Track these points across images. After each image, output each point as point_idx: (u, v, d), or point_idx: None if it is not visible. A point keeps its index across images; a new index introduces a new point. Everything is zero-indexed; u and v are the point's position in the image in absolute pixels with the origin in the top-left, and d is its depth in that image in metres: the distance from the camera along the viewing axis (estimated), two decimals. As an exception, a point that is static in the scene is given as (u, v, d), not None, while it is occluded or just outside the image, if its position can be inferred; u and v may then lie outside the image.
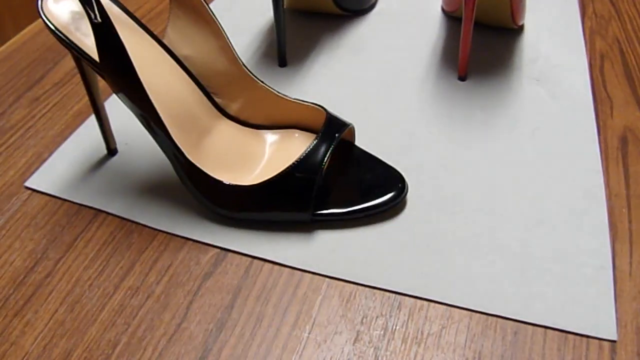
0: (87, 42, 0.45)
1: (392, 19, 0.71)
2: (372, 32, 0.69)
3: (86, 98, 0.62)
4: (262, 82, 0.48)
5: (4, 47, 0.73)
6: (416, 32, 0.69)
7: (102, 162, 0.53)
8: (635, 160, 0.53)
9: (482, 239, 0.44)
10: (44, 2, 0.46)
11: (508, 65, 0.64)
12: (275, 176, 0.43)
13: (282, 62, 0.62)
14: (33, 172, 0.53)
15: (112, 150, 0.53)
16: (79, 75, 0.66)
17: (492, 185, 0.49)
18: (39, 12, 0.45)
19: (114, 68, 0.42)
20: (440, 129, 0.55)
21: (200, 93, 0.48)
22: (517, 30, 0.69)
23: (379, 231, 0.45)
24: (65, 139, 0.56)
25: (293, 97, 0.53)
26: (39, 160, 0.54)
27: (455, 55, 0.65)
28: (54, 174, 0.52)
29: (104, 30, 0.40)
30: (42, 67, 0.68)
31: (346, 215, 0.44)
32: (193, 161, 0.43)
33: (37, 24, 0.78)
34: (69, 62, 0.69)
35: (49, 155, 0.54)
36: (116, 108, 0.57)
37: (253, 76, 0.48)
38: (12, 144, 0.57)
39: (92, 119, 0.58)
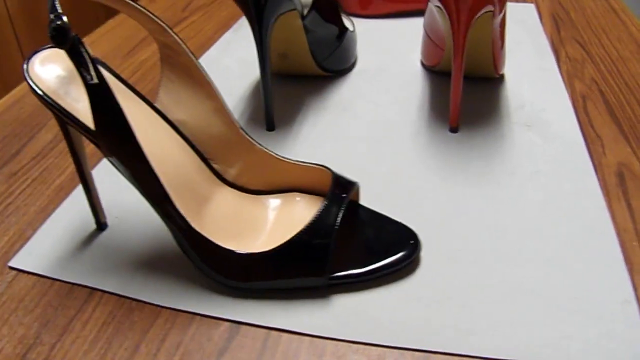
0: (79, 107, 0.42)
1: (373, 76, 0.72)
2: (355, 91, 0.69)
3: (68, 171, 0.60)
4: (260, 144, 0.47)
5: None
6: (399, 88, 0.69)
7: (91, 237, 0.50)
8: (636, 195, 0.53)
9: (501, 285, 0.43)
10: (30, 65, 0.44)
11: (496, 113, 0.64)
12: (287, 242, 0.41)
13: (270, 126, 0.61)
14: (17, 251, 0.49)
15: (101, 225, 0.50)
16: (58, 148, 0.64)
17: (502, 230, 0.48)
18: (25, 76, 0.43)
19: (111, 133, 0.40)
20: (441, 180, 0.54)
21: (198, 159, 0.47)
22: (499, 79, 0.70)
23: (398, 289, 0.44)
24: (48, 215, 0.54)
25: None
26: (22, 238, 0.51)
27: (443, 107, 0.65)
28: (40, 252, 0.49)
29: (101, 92, 0.38)
30: (17, 142, 0.65)
31: (363, 276, 0.43)
32: (198, 230, 0.41)
33: (7, 98, 0.76)
34: (45, 135, 0.66)
35: (33, 233, 0.51)
36: (103, 180, 0.54)
37: (250, 139, 0.47)
38: (-9, 222, 0.54)
39: (76, 193, 0.56)
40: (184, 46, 0.44)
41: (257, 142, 0.47)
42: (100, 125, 0.40)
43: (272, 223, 0.46)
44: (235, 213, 0.46)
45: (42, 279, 0.47)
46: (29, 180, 0.59)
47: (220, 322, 0.42)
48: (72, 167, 0.60)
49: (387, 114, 0.64)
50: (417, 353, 0.40)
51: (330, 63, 0.69)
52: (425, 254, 0.46)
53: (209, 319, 0.42)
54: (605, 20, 0.89)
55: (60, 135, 0.66)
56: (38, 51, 0.45)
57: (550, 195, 0.52)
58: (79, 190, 0.56)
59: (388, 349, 0.40)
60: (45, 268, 0.47)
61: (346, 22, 0.73)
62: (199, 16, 0.98)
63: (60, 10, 0.38)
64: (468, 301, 0.42)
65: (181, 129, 0.47)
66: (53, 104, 0.42)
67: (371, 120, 0.63)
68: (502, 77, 0.71)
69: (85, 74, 0.38)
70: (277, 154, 0.47)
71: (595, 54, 0.79)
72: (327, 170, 0.46)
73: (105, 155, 0.42)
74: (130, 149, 0.39)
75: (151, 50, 0.86)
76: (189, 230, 0.41)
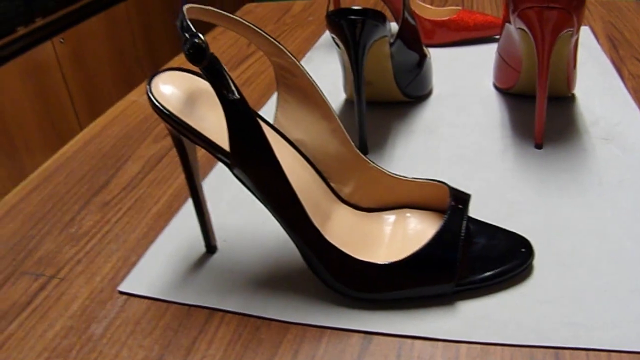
0: (206, 126, 0.43)
1: (452, 101, 0.74)
2: (438, 115, 0.71)
3: (163, 200, 0.61)
4: (373, 163, 0.48)
5: (56, 155, 0.72)
6: (478, 111, 0.71)
7: (202, 260, 0.51)
8: None
9: (612, 285, 0.45)
10: (153, 86, 0.44)
11: (574, 129, 0.65)
12: (417, 252, 0.42)
13: (364, 150, 0.62)
14: (124, 276, 0.50)
15: (212, 248, 0.51)
16: (148, 179, 0.65)
17: (600, 235, 0.50)
18: (149, 96, 0.43)
19: (249, 150, 0.41)
20: (535, 193, 0.56)
21: (317, 176, 0.48)
22: (570, 98, 0.72)
23: (518, 293, 0.45)
24: (151, 241, 0.54)
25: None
26: (127, 264, 0.52)
27: (523, 126, 0.67)
28: (151, 276, 0.49)
29: (240, 109, 0.39)
30: (103, 174, 0.67)
31: (485, 281, 0.44)
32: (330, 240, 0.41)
33: (86, 133, 0.77)
34: (132, 167, 0.68)
35: (138, 259, 0.52)
36: (211, 204, 0.55)
37: (364, 158, 0.48)
38: (90, 249, 0.54)
39: (177, 220, 0.57)
40: (301, 68, 0.46)
41: (370, 161, 0.48)
42: (238, 142, 0.41)
43: (389, 237, 0.47)
44: (354, 228, 0.47)
45: (156, 303, 0.47)
46: (124, 209, 0.60)
47: (351, 334, 0.43)
48: (166, 196, 0.61)
49: (472, 135, 0.66)
50: (547, 350, 0.40)
51: (412, 89, 0.71)
52: (535, 259, 0.47)
53: (340, 332, 0.43)
54: (660, 39, 0.91)
55: (149, 166, 0.68)
56: (156, 74, 0.47)
57: (637, 201, 0.54)
58: (179, 216, 0.57)
59: (518, 348, 0.40)
60: (158, 291, 0.48)
61: (424, 49, 0.75)
62: (264, 52, 1.00)
63: (194, 29, 0.39)
64: (582, 299, 0.43)
65: (299, 148, 0.48)
66: (181, 123, 0.43)
67: (458, 142, 0.65)
68: (573, 96, 0.72)
69: (224, 90, 0.39)
70: (390, 172, 0.48)
71: (656, 69, 0.80)
72: (443, 185, 0.47)
73: (233, 169, 0.43)
74: (268, 163, 0.40)
75: (251, 61, 0.88)
76: (318, 240, 0.42)
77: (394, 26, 0.68)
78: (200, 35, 0.38)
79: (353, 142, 0.48)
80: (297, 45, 1.01)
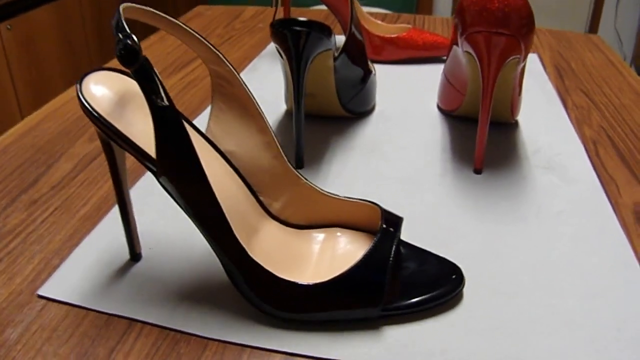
0: (134, 131, 0.42)
1: (394, 119, 0.74)
2: (379, 133, 0.71)
3: (92, 201, 0.59)
4: (306, 179, 0.47)
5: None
6: (420, 131, 0.71)
7: (126, 267, 0.49)
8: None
9: (547, 317, 0.44)
10: (83, 86, 0.43)
11: (515, 156, 0.66)
12: (344, 274, 0.41)
13: (300, 164, 0.61)
14: (44, 280, 0.48)
15: (136, 255, 0.49)
16: (79, 178, 0.63)
17: (536, 265, 0.50)
18: (79, 96, 0.42)
19: (175, 157, 0.39)
20: (472, 219, 0.55)
21: (247, 190, 0.46)
22: (514, 124, 0.72)
23: (448, 321, 0.44)
24: (75, 244, 0.52)
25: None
26: (49, 267, 0.50)
27: (465, 150, 0.67)
28: (72, 281, 0.47)
29: (169, 116, 0.38)
30: (34, 170, 0.64)
31: (412, 307, 0.43)
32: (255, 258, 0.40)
33: (22, 125, 0.75)
34: (64, 165, 0.65)
35: (61, 262, 0.50)
36: (137, 209, 0.54)
37: (297, 173, 0.47)
38: (13, 249, 0.52)
39: (104, 224, 0.55)
40: (239, 78, 0.45)
41: (302, 177, 0.47)
42: (164, 149, 0.39)
43: (317, 257, 0.46)
44: (281, 246, 0.46)
45: (75, 309, 0.45)
46: (52, 209, 0.58)
47: (272, 354, 0.42)
48: (96, 198, 0.59)
49: (412, 156, 0.66)
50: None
51: (354, 105, 0.70)
52: (467, 287, 0.47)
53: (260, 351, 0.42)
54: (605, 71, 0.93)
55: (81, 165, 0.66)
56: (88, 73, 0.45)
57: (576, 233, 0.54)
58: (107, 220, 0.55)
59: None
60: (77, 297, 0.46)
61: (370, 64, 0.75)
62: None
63: (128, 30, 0.38)
64: (516, 333, 0.43)
65: (230, 159, 0.47)
66: (109, 126, 0.41)
67: (397, 162, 0.65)
68: (516, 122, 0.73)
69: (153, 96, 0.37)
70: (322, 190, 0.47)
71: (600, 102, 0.82)
72: (375, 206, 0.46)
73: (159, 178, 0.41)
74: (193, 173, 0.39)
75: (190, 68, 0.86)
76: (243, 258, 0.41)
77: (341, 39, 0.68)
78: (134, 37, 0.36)
79: (289, 155, 0.47)
80: (243, 51, 1.00)
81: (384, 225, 0.44)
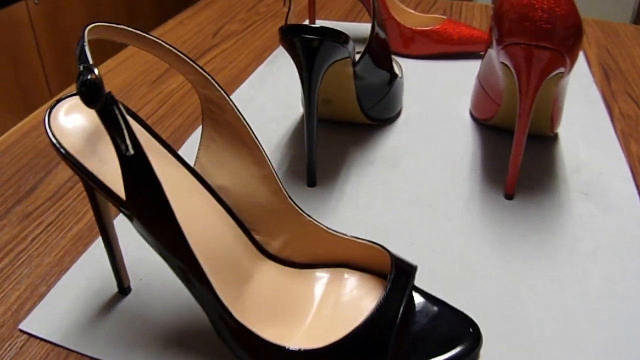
0: (107, 170, 0.37)
1: (421, 127, 0.68)
2: (403, 144, 0.64)
3: (86, 217, 0.55)
4: (308, 216, 0.42)
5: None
6: (448, 142, 0.65)
7: (113, 302, 0.45)
8: None
9: None
10: (52, 116, 0.38)
11: (552, 177, 0.59)
12: (344, 338, 0.36)
13: (312, 182, 0.56)
14: (28, 310, 0.45)
15: (124, 289, 0.45)
16: (76, 188, 0.59)
17: (565, 314, 0.44)
18: (46, 129, 0.38)
19: (145, 208, 0.35)
20: (497, 254, 0.50)
21: (238, 230, 0.41)
22: (553, 138, 0.65)
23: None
24: (64, 268, 0.49)
25: (337, 229, 0.47)
26: (35, 295, 0.46)
27: (496, 168, 0.60)
28: (55, 315, 0.44)
29: (137, 165, 0.33)
30: (32, 176, 0.61)
31: None
32: (241, 320, 0.35)
33: (26, 122, 0.71)
34: (63, 172, 0.62)
35: (47, 290, 0.46)
36: (126, 234, 0.49)
37: (299, 210, 0.41)
38: (1, 270, 0.49)
39: (95, 246, 0.51)
40: (231, 103, 0.39)
41: (305, 214, 0.42)
42: (134, 198, 0.34)
43: (319, 302, 0.41)
44: (278, 291, 0.41)
45: (57, 348, 0.42)
46: (44, 225, 0.54)
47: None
48: (89, 214, 0.56)
49: (437, 174, 0.59)
50: None
51: (377, 112, 0.64)
52: (484, 338, 0.41)
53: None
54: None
55: (80, 174, 0.61)
56: (63, 98, 0.40)
57: (612, 276, 0.48)
58: (99, 242, 0.51)
59: None
60: (60, 336, 0.42)
61: (395, 67, 0.68)
62: (230, 44, 0.93)
63: (91, 61, 0.32)
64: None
65: (221, 195, 0.41)
66: (77, 165, 0.36)
67: (421, 179, 0.58)
68: (556, 135, 0.66)
69: (119, 142, 0.32)
70: (327, 227, 0.42)
71: (649, 111, 0.74)
72: (384, 251, 0.41)
73: (131, 221, 0.37)
74: (167, 228, 0.34)
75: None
76: (231, 321, 0.36)
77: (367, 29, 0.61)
78: (95, 70, 0.31)
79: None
80: (265, 40, 0.94)
81: (394, 276, 0.39)
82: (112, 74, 0.80)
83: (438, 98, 0.74)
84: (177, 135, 0.68)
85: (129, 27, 0.36)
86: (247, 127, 0.40)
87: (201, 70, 0.38)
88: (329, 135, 0.66)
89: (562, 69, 0.50)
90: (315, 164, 0.55)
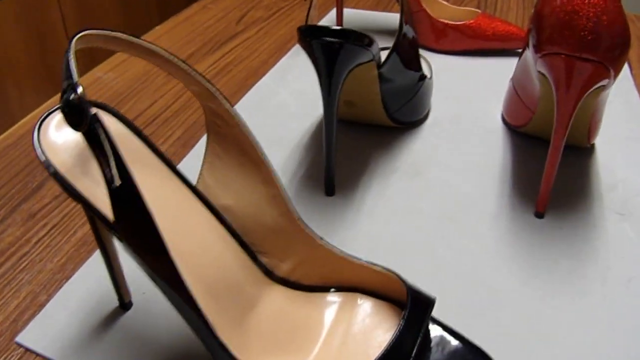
0: (99, 192, 0.34)
1: (449, 132, 0.64)
2: (428, 150, 0.61)
3: (92, 220, 0.53)
4: (320, 238, 0.39)
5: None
6: (478, 149, 0.61)
7: (114, 316, 0.43)
8: None
9: None
10: (42, 131, 0.35)
11: (586, 195, 0.55)
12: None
13: (330, 191, 0.53)
14: (27, 321, 0.43)
15: (125, 305, 0.43)
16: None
17: (594, 354, 0.41)
18: (34, 146, 0.34)
19: (135, 238, 0.32)
20: (523, 279, 0.46)
21: (242, 253, 0.38)
22: (589, 149, 0.61)
23: None
24: (66, 276, 0.47)
25: (354, 243, 0.44)
26: (34, 304, 0.44)
27: (528, 182, 0.56)
28: (53, 328, 0.42)
29: (124, 196, 0.30)
30: (40, 173, 0.58)
31: None
32: (240, 354, 0.33)
33: (36, 114, 0.69)
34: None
35: (47, 300, 0.45)
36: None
37: (310, 232, 0.38)
38: (2, 275, 0.47)
39: (98, 255, 0.49)
40: (237, 117, 0.36)
41: (317, 236, 0.39)
42: (122, 226, 0.31)
43: (327, 332, 0.38)
44: (283, 319, 0.38)
45: (53, 364, 0.40)
46: (49, 227, 0.52)
47: None
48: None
49: (463, 185, 0.56)
50: None
51: (403, 114, 0.60)
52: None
53: None
54: None
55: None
56: (52, 112, 0.37)
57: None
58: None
59: None
60: (57, 351, 0.41)
61: (424, 66, 0.64)
62: (254, 32, 0.90)
63: (76, 78, 0.29)
64: None
65: (225, 215, 0.38)
66: (68, 187, 0.33)
67: (445, 191, 0.55)
68: (592, 146, 0.62)
69: (105, 167, 0.29)
70: (339, 251, 0.39)
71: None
72: (399, 280, 0.38)
73: (123, 247, 0.34)
74: (159, 261, 0.31)
75: (230, 47, 0.79)
76: (224, 353, 0.33)
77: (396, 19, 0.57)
78: (80, 88, 0.28)
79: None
80: (290, 28, 0.91)
81: (409, 312, 0.36)
82: (127, 64, 0.78)
83: (469, 99, 0.70)
84: (190, 134, 0.65)
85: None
86: (255, 142, 0.37)
87: (204, 82, 0.35)
88: (351, 138, 0.62)
89: (605, 82, 0.46)
90: (334, 172, 0.52)
